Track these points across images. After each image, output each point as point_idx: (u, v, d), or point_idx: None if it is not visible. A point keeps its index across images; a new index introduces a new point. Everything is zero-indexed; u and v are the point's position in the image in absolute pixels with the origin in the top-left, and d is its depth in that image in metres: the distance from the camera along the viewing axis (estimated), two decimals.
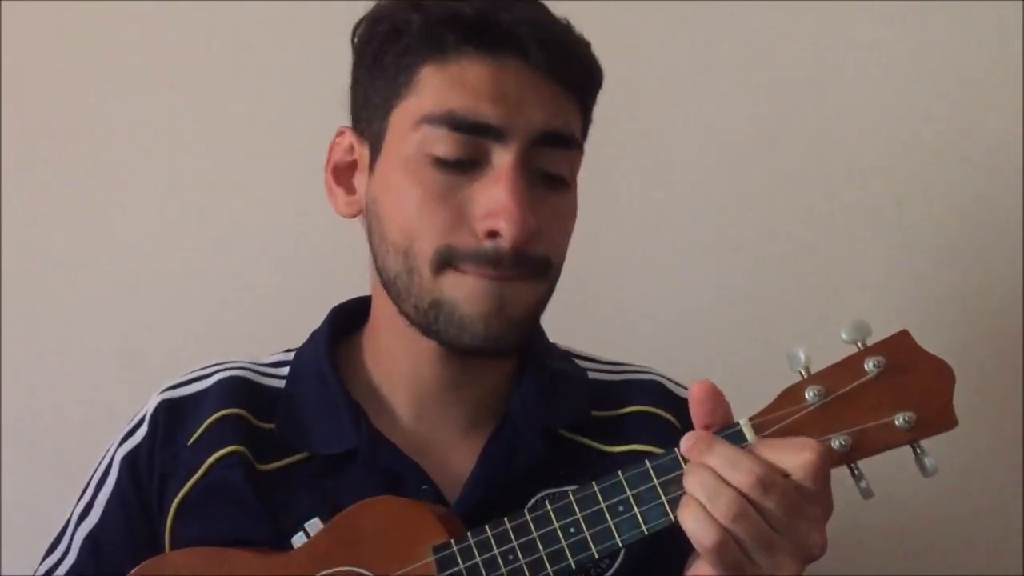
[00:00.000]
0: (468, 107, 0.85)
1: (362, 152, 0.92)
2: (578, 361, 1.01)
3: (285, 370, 0.96)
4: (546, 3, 0.91)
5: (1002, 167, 1.27)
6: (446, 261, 0.85)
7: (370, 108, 0.90)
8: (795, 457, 0.74)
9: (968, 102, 1.28)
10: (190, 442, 0.91)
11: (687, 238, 1.30)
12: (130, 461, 0.92)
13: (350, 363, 0.95)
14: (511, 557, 0.79)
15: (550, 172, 0.88)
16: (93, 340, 1.26)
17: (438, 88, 0.86)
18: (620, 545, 0.78)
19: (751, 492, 0.73)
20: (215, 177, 1.28)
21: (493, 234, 0.84)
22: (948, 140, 1.28)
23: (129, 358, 1.25)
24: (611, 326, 1.27)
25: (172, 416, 0.93)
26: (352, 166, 0.93)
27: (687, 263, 1.30)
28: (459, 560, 0.80)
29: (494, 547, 0.80)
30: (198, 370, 0.96)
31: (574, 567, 0.79)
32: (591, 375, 0.99)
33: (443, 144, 0.85)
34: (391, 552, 0.81)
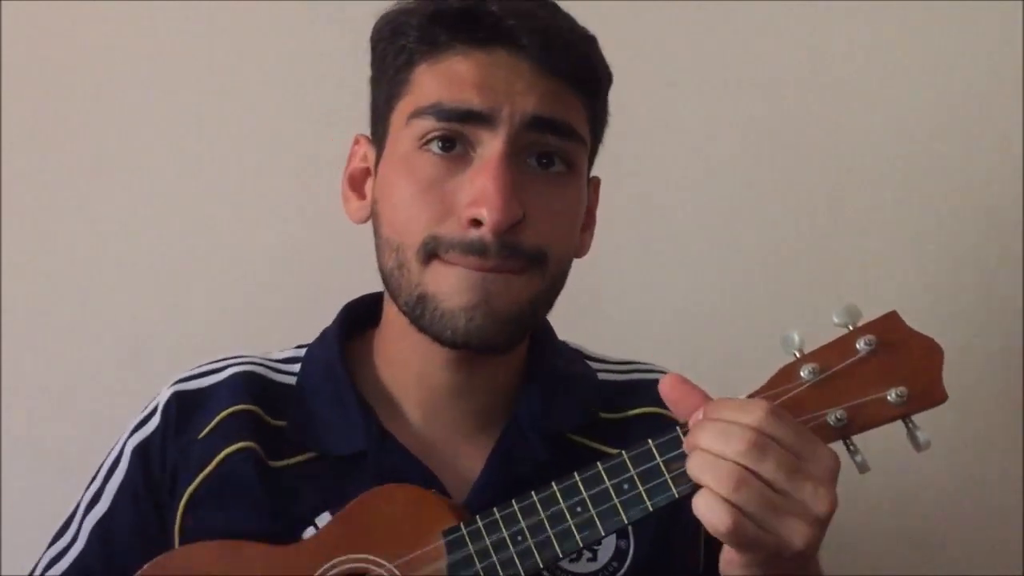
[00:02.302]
0: (454, 96, 0.85)
1: (371, 157, 0.94)
2: (589, 362, 1.01)
3: (297, 366, 0.96)
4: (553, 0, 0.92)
5: (1002, 167, 1.29)
6: (432, 252, 0.85)
7: (377, 113, 0.93)
8: (750, 414, 0.74)
9: (968, 102, 1.30)
10: (201, 435, 0.91)
11: (688, 235, 1.31)
12: (142, 451, 0.92)
13: (361, 362, 0.96)
14: (519, 538, 0.80)
15: (545, 160, 0.87)
16: (93, 340, 1.26)
17: (429, 84, 0.87)
18: (626, 522, 0.79)
19: (747, 459, 0.73)
20: (217, 176, 1.28)
21: (476, 222, 0.84)
22: (948, 140, 1.30)
23: (129, 358, 1.25)
24: (612, 322, 1.27)
25: (184, 408, 0.93)
26: (366, 173, 0.94)
27: (688, 260, 1.31)
28: (468, 542, 0.81)
29: (503, 529, 0.81)
30: (211, 363, 0.96)
31: (581, 545, 0.80)
32: (601, 376, 0.99)
33: (429, 130, 0.86)
34: (401, 538, 0.82)
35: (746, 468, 0.73)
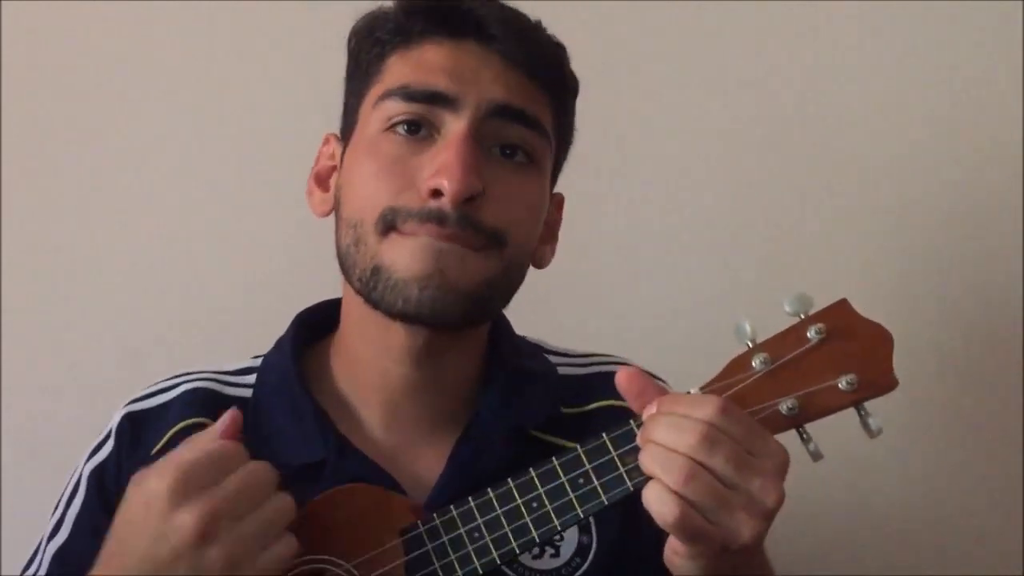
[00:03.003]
0: (420, 79, 0.88)
1: (338, 153, 0.95)
2: (548, 356, 1.01)
3: (251, 378, 0.96)
4: (548, 3, 0.94)
5: (1002, 167, 1.29)
6: (390, 224, 0.86)
7: (347, 107, 0.94)
8: (702, 409, 0.75)
9: (968, 102, 1.30)
10: (154, 452, 0.90)
11: (678, 235, 1.31)
12: (97, 475, 0.92)
13: (318, 369, 0.96)
14: (476, 535, 0.80)
15: (509, 145, 0.89)
16: (93, 340, 1.27)
17: (399, 69, 0.90)
18: (582, 516, 0.80)
19: (698, 453, 0.74)
20: (216, 177, 1.29)
21: (436, 193, 0.85)
22: (948, 140, 1.30)
23: (129, 358, 1.25)
24: (599, 322, 1.27)
25: (137, 429, 0.93)
26: (332, 170, 0.96)
27: (677, 260, 1.31)
28: (426, 540, 0.81)
29: (460, 526, 0.81)
30: (162, 382, 0.96)
31: (538, 541, 0.80)
32: (561, 370, 1.00)
33: (396, 112, 0.88)
34: (359, 538, 0.82)
35: (696, 461, 0.74)
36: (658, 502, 0.74)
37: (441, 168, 0.85)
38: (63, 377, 1.26)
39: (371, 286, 0.87)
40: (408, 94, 0.87)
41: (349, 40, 0.95)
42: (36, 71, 1.27)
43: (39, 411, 1.26)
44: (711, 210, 1.31)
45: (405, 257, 0.85)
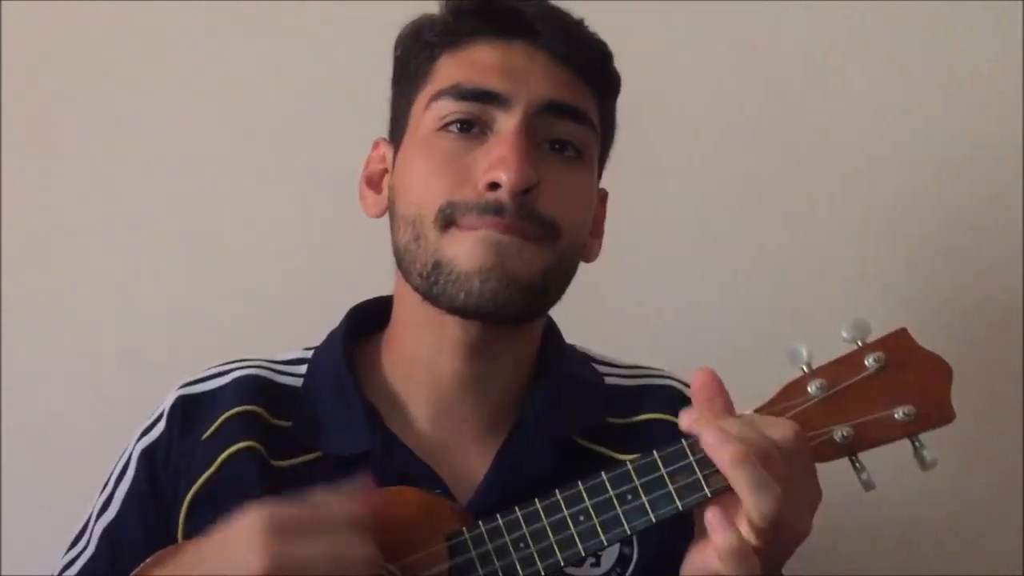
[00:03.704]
0: (471, 78, 0.89)
1: (389, 156, 0.97)
2: (596, 365, 1.01)
3: (303, 368, 0.97)
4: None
5: (1002, 167, 1.29)
6: (449, 218, 0.87)
7: (397, 110, 0.96)
8: (777, 431, 0.76)
9: (968, 102, 1.30)
10: (204, 437, 0.91)
11: (688, 237, 1.31)
12: (148, 456, 0.93)
13: (368, 364, 0.96)
14: (522, 545, 0.80)
15: (559, 140, 0.91)
16: (93, 340, 1.26)
17: (449, 69, 0.91)
18: (628, 532, 0.79)
19: (762, 452, 0.74)
20: (216, 177, 1.29)
21: (493, 186, 0.86)
22: (948, 140, 1.30)
23: (129, 358, 1.25)
24: (612, 325, 1.27)
25: (189, 412, 0.94)
26: (383, 173, 0.97)
27: (688, 262, 1.31)
28: (471, 547, 0.81)
29: (505, 534, 0.81)
30: (217, 367, 0.97)
31: (583, 554, 0.80)
32: (608, 380, 1.00)
33: (449, 112, 0.89)
34: (404, 540, 0.82)
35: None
36: (757, 485, 0.73)
37: (497, 161, 0.86)
38: (63, 377, 1.26)
39: (432, 280, 0.88)
40: (460, 93, 0.89)
41: (396, 47, 0.97)
42: (36, 71, 1.28)
43: (39, 411, 1.25)
44: (715, 211, 1.31)
45: (466, 251, 0.86)
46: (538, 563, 0.80)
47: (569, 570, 0.89)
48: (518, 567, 0.80)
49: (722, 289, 1.31)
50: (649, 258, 1.30)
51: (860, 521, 1.24)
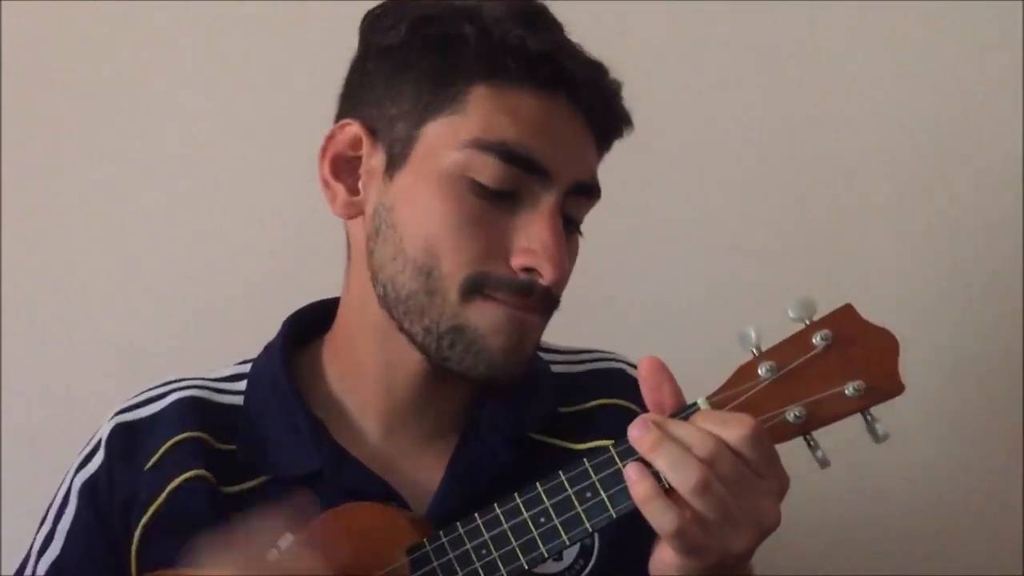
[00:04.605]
0: (521, 141, 0.84)
1: (373, 152, 0.89)
2: (541, 354, 1.00)
3: (242, 384, 0.94)
4: (545, 2, 0.91)
5: (1002, 167, 1.30)
6: (478, 288, 0.85)
7: (394, 109, 0.87)
8: (733, 429, 0.75)
9: (968, 102, 1.31)
10: (147, 467, 0.89)
11: (683, 235, 1.32)
12: (89, 489, 0.90)
13: (309, 374, 0.94)
14: (484, 551, 0.80)
15: (572, 219, 0.89)
16: (93, 340, 1.26)
17: (490, 113, 0.85)
18: (590, 530, 0.79)
19: (711, 465, 0.74)
20: (215, 176, 1.29)
21: (529, 270, 0.85)
22: (948, 140, 1.31)
23: (129, 358, 1.24)
24: (604, 321, 1.27)
25: (128, 440, 0.90)
26: (354, 162, 0.90)
27: (681, 259, 1.32)
28: (432, 558, 0.80)
29: (466, 542, 0.80)
30: (150, 390, 0.94)
31: (546, 555, 0.80)
32: (554, 368, 0.99)
33: (490, 172, 0.84)
34: (365, 558, 0.81)
35: (709, 473, 0.74)
36: (660, 512, 0.74)
37: (539, 250, 0.84)
38: (63, 378, 1.26)
39: (448, 344, 0.86)
40: (507, 155, 0.84)
41: (392, 26, 0.88)
42: (36, 71, 1.27)
43: (39, 411, 1.25)
44: (712, 209, 1.32)
45: (493, 326, 0.85)
46: (502, 568, 0.80)
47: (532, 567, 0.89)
48: (481, 574, 0.80)
49: (719, 287, 1.31)
50: (642, 255, 1.31)
51: (860, 521, 1.25)
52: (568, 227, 0.89)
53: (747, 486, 0.75)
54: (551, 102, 0.86)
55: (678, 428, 0.76)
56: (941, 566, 1.27)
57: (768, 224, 1.31)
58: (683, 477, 0.74)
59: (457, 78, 0.85)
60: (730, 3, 1.30)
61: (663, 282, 1.31)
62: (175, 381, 0.94)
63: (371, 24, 0.90)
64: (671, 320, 1.30)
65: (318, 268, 1.21)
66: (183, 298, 1.28)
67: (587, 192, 0.89)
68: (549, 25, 0.88)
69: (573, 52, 0.88)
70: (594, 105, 0.87)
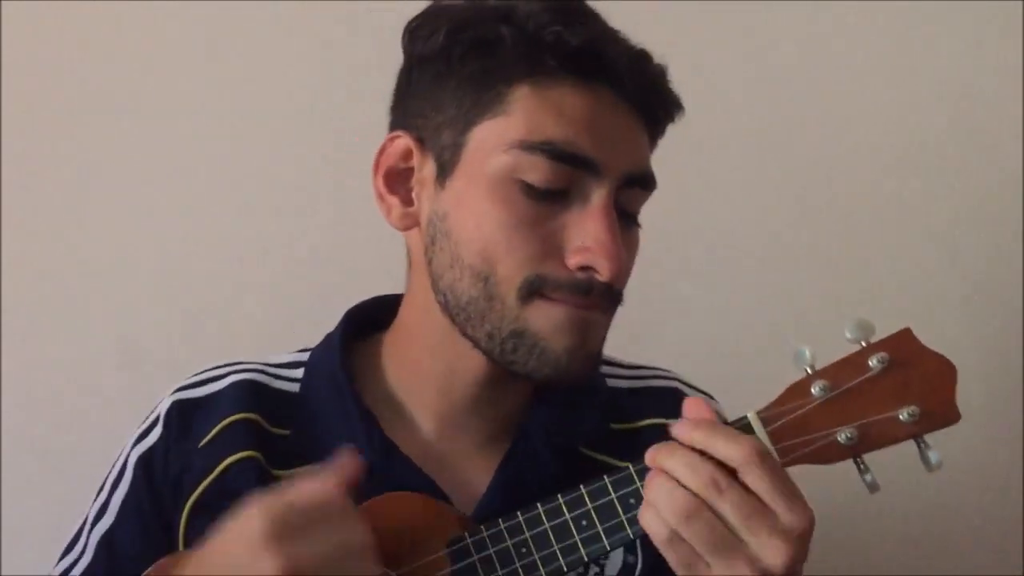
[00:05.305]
0: (567, 138, 0.83)
1: (423, 162, 0.89)
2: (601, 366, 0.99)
3: (299, 371, 0.95)
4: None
5: (1002, 167, 1.29)
6: (536, 290, 0.84)
7: (440, 117, 0.87)
8: (736, 448, 0.75)
9: (968, 102, 1.30)
10: (202, 444, 0.90)
11: (692, 239, 1.31)
12: (145, 462, 0.92)
13: (366, 368, 0.94)
14: (524, 550, 0.80)
15: (627, 211, 0.88)
16: (93, 340, 1.26)
17: (533, 112, 0.84)
18: (632, 537, 0.79)
19: (705, 493, 0.74)
20: (216, 176, 1.29)
21: (586, 268, 0.84)
22: (949, 140, 1.31)
23: (129, 358, 1.25)
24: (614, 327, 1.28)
25: (185, 417, 0.92)
26: (407, 174, 0.90)
27: (692, 264, 1.32)
28: (472, 552, 0.81)
29: (507, 539, 0.81)
30: (211, 370, 0.96)
31: (586, 559, 0.80)
32: (610, 382, 0.98)
33: (538, 172, 0.84)
34: (406, 547, 0.81)
35: (702, 500, 0.74)
36: (650, 522, 0.75)
37: (595, 247, 0.84)
38: (63, 377, 1.26)
39: (510, 348, 0.85)
40: (554, 153, 0.83)
41: (431, 34, 0.87)
42: (36, 71, 1.27)
43: (39, 411, 1.25)
44: (712, 210, 1.32)
45: (555, 326, 0.84)
46: (540, 569, 0.80)
47: None
48: (520, 573, 0.80)
49: (726, 291, 1.31)
50: (652, 260, 1.30)
51: (860, 521, 1.24)
52: (624, 220, 0.88)
53: (749, 517, 0.73)
54: (594, 95, 0.84)
55: (672, 457, 0.76)
56: (941, 566, 1.25)
57: (772, 226, 1.32)
58: (669, 506, 0.74)
59: (497, 80, 0.85)
60: (730, 3, 1.30)
61: (663, 282, 1.30)
62: (235, 363, 0.96)
63: (410, 35, 0.89)
64: (680, 325, 1.31)
65: (320, 268, 1.24)
66: (183, 298, 1.28)
67: (641, 183, 0.88)
68: (586, 17, 0.87)
69: (613, 41, 0.86)
70: (639, 93, 0.86)
